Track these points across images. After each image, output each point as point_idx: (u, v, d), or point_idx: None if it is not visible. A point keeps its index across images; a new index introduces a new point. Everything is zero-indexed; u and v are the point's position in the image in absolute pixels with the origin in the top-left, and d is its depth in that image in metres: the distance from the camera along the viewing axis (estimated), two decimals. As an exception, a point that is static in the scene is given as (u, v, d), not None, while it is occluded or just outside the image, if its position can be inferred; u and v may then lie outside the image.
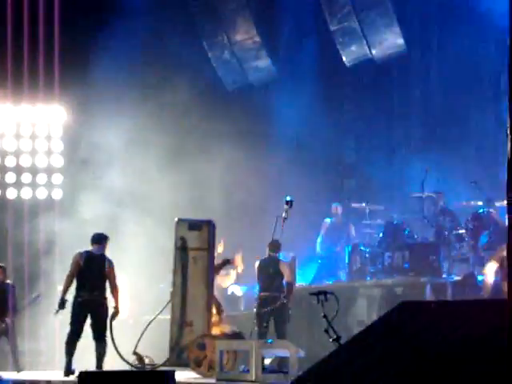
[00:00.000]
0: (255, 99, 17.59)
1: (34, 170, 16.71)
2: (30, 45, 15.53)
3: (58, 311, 11.63)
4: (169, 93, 16.08)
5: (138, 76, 16.48)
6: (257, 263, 12.64)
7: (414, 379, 5.93)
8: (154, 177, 15.58)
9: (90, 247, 11.81)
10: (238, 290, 15.92)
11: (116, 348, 11.51)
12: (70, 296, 11.63)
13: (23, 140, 16.78)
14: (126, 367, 11.54)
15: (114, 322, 11.55)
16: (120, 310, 11.67)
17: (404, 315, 7.13)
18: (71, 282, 11.61)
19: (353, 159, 18.31)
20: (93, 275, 11.58)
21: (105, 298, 11.61)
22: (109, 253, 11.89)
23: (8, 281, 13.66)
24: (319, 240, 15.57)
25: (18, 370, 13.11)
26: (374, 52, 16.66)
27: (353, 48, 16.70)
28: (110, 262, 11.72)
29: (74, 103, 16.28)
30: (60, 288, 12.19)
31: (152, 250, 14.66)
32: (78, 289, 11.57)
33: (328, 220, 15.61)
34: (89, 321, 11.59)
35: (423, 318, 6.95)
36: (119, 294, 11.75)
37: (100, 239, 11.80)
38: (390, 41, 16.52)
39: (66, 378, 11.32)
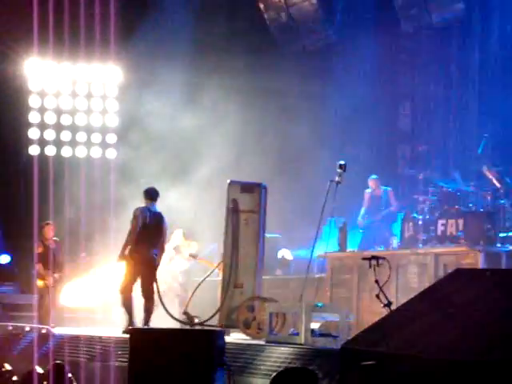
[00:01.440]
0: (311, 62, 17.45)
1: (89, 129, 16.85)
2: (86, 2, 15.55)
3: (117, 263, 11.76)
4: (223, 53, 16.02)
5: (191, 37, 16.43)
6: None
7: (467, 348, 5.83)
8: (203, 137, 15.57)
9: (144, 203, 11.84)
10: (289, 254, 15.92)
11: (164, 306, 11.60)
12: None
13: (79, 98, 16.91)
14: (177, 325, 11.64)
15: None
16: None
17: (458, 282, 7.02)
18: (134, 237, 11.62)
19: (408, 126, 18.12)
20: (152, 232, 11.64)
21: (159, 255, 11.71)
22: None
23: (55, 238, 13.93)
24: (362, 212, 15.50)
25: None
26: (433, 16, 16.38)
27: (412, 12, 16.44)
28: (166, 221, 11.80)
29: (129, 63, 16.32)
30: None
31: (202, 211, 14.70)
32: (136, 244, 11.60)
33: (368, 191, 15.53)
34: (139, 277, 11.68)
35: (477, 286, 6.84)
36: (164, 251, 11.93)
37: (156, 195, 11.86)
38: (450, 5, 16.22)
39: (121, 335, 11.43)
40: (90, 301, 14.90)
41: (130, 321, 11.54)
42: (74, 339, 11.56)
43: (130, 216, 11.77)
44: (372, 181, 15.50)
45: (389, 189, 15.55)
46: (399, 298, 11.64)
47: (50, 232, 13.91)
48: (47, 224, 13.98)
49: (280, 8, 17.18)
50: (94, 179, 15.90)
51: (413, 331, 6.45)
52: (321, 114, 16.82)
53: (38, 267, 13.68)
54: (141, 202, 11.97)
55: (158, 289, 11.65)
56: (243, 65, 16.05)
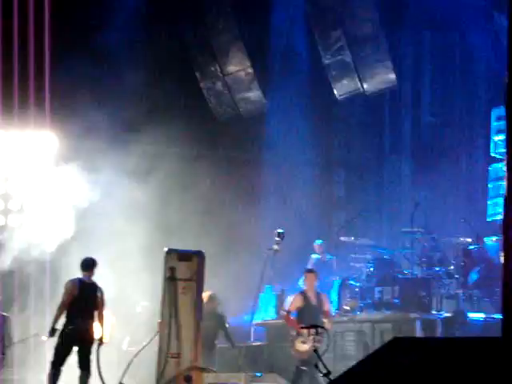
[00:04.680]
0: (245, 130, 17.61)
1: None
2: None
3: (48, 338, 11.52)
4: (158, 123, 16.04)
5: (130, 106, 16.40)
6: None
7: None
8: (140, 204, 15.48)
9: (80, 274, 11.70)
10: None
11: (101, 377, 11.38)
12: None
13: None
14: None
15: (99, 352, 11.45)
16: (105, 339, 11.59)
17: (396, 352, 7.05)
18: (64, 310, 11.48)
19: (342, 193, 18.33)
20: (86, 304, 11.47)
21: (93, 327, 11.52)
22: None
23: (3, 313, 13.58)
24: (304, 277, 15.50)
25: None
26: (365, 86, 16.72)
27: (345, 81, 16.76)
28: (102, 291, 11.63)
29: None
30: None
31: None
32: (69, 317, 11.45)
33: (314, 256, 15.58)
34: (75, 349, 11.47)
35: (415, 355, 6.88)
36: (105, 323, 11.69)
37: (91, 265, 11.70)
38: (382, 75, 16.58)
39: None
40: None
41: None
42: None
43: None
44: (317, 246, 15.55)
45: (333, 258, 15.58)
46: (337, 366, 11.64)
47: None
48: None
49: (216, 77, 17.37)
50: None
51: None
52: (257, 180, 16.90)
53: None
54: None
55: (98, 361, 11.42)
56: (180, 134, 16.06)
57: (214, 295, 13.28)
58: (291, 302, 12.48)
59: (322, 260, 15.43)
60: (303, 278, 12.67)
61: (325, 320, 11.96)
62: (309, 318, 11.98)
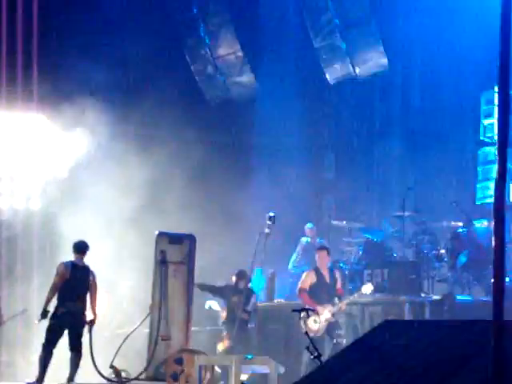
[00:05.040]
0: (236, 114, 17.61)
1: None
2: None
3: (39, 321, 11.54)
4: (152, 106, 16.02)
5: (120, 91, 16.37)
6: None
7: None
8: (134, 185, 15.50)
9: (72, 257, 11.72)
10: (216, 305, 15.83)
11: (93, 360, 11.42)
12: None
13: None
14: (102, 380, 11.46)
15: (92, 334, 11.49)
16: (96, 321, 11.63)
17: (386, 334, 7.11)
18: (55, 292, 11.51)
19: (332, 176, 18.37)
20: (77, 286, 11.50)
21: (85, 310, 11.55)
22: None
23: None
24: (293, 258, 15.55)
25: None
26: (357, 70, 16.73)
27: (336, 66, 16.76)
28: (94, 275, 11.66)
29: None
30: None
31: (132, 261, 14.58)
32: (61, 299, 11.48)
33: (304, 239, 15.62)
34: (66, 331, 11.50)
35: (405, 337, 6.93)
36: (97, 306, 11.70)
37: (83, 248, 11.72)
38: (374, 60, 16.59)
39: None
40: None
41: (41, 376, 11.32)
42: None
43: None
44: (308, 229, 15.59)
45: (323, 241, 15.60)
46: (327, 349, 11.71)
47: None
48: None
49: (206, 60, 17.34)
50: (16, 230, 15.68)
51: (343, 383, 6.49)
52: (247, 165, 16.94)
53: None
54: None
55: (90, 344, 11.45)
56: (172, 117, 16.04)
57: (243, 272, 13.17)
58: (303, 279, 12.34)
59: (312, 243, 15.48)
60: (316, 256, 12.49)
61: (337, 299, 12.01)
62: (322, 295, 12.02)
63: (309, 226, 15.60)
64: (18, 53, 15.41)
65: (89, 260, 11.81)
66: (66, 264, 11.65)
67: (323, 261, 12.28)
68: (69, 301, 11.44)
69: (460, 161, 16.46)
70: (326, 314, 11.84)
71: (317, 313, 11.76)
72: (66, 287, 11.48)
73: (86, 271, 11.64)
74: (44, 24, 15.55)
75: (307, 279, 12.23)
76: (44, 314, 11.45)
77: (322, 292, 12.05)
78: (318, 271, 12.23)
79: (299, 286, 12.36)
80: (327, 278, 12.16)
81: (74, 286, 11.50)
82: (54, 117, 15.59)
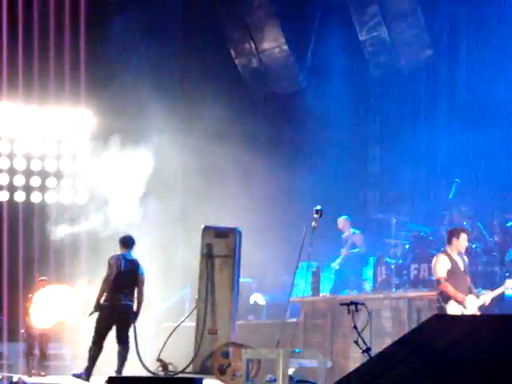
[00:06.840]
0: (281, 107, 17.57)
1: (58, 175, 16.73)
2: (56, 48, 15.55)
3: (91, 314, 11.61)
4: (197, 100, 16.06)
5: (164, 84, 16.43)
6: None
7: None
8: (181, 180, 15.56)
9: (120, 250, 11.79)
10: (261, 299, 15.86)
11: (138, 353, 11.48)
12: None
13: (49, 144, 16.81)
14: (149, 373, 11.52)
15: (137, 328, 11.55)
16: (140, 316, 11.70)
17: (437, 328, 7.04)
18: (108, 285, 11.55)
19: (377, 170, 18.26)
20: (126, 280, 11.57)
21: (133, 303, 11.62)
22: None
23: None
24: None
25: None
26: (402, 62, 16.60)
27: (381, 58, 16.65)
28: (142, 269, 11.72)
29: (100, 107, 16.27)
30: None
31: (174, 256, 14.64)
32: (112, 292, 11.53)
33: (344, 235, 15.57)
34: (115, 324, 11.56)
35: (456, 332, 6.86)
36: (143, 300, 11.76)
37: (131, 243, 11.81)
38: (419, 51, 16.45)
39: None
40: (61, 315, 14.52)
41: (89, 369, 11.40)
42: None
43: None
44: (343, 221, 15.49)
45: (357, 232, 15.54)
46: (373, 343, 11.63)
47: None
48: (41, 280, 13.79)
49: (251, 54, 17.32)
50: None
51: (393, 378, 6.44)
52: (292, 159, 16.90)
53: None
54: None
55: (135, 338, 11.52)
56: (217, 111, 16.05)
57: None
58: (439, 267, 10.87)
59: (345, 236, 15.41)
60: (455, 238, 11.04)
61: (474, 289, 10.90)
62: (458, 281, 10.81)
63: (341, 217, 15.48)
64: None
65: (138, 255, 11.91)
66: (117, 257, 11.72)
67: (462, 244, 10.96)
68: (118, 293, 11.51)
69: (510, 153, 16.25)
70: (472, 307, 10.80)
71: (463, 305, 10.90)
72: (115, 280, 11.55)
73: (134, 265, 11.72)
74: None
75: (444, 265, 10.76)
76: (97, 307, 11.52)
77: (457, 279, 10.73)
78: (448, 255, 10.87)
79: (437, 275, 10.91)
80: (461, 264, 10.87)
81: (123, 279, 11.57)
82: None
